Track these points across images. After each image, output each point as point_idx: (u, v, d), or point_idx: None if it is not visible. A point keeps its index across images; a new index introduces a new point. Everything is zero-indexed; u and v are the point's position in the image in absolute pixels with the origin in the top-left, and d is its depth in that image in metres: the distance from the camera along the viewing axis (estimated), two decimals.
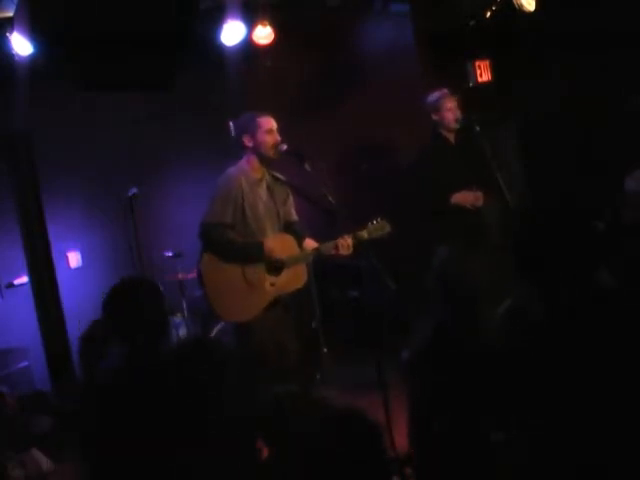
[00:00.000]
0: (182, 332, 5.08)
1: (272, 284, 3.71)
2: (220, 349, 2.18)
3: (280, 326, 3.76)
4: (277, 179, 3.88)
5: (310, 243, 3.84)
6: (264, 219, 3.78)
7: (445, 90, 4.53)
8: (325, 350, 5.18)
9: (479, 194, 4.44)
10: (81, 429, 2.28)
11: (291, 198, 3.95)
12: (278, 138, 3.74)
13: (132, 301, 2.34)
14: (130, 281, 2.43)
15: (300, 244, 3.84)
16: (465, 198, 4.44)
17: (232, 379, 2.13)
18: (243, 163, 3.81)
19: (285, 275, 3.74)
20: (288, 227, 3.91)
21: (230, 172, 3.78)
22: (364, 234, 3.75)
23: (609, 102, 5.00)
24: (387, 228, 3.85)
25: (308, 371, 3.89)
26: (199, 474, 1.82)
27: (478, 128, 4.30)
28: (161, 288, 2.45)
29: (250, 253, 3.67)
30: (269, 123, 3.75)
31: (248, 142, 3.77)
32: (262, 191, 3.81)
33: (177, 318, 5.11)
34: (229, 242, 3.67)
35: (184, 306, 5.10)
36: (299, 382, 3.77)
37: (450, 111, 4.46)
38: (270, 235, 3.79)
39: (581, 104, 5.09)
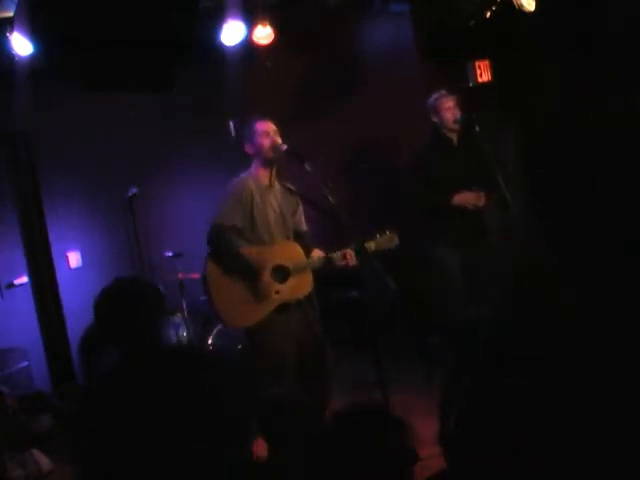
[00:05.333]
0: (182, 332, 5.09)
1: (277, 292, 3.69)
2: (214, 352, 2.17)
3: (292, 327, 3.75)
4: (288, 189, 3.90)
5: (318, 254, 3.84)
6: (273, 226, 3.78)
7: (443, 91, 4.55)
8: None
9: (481, 194, 4.45)
10: (79, 430, 2.27)
11: (301, 208, 3.96)
12: (277, 140, 3.74)
13: (121, 304, 2.31)
14: (120, 283, 2.39)
15: (308, 254, 3.84)
16: (467, 199, 4.45)
17: (231, 381, 2.13)
18: (252, 169, 3.84)
19: (290, 283, 3.72)
20: (297, 237, 3.91)
21: (241, 177, 3.81)
22: (372, 245, 3.75)
23: (609, 102, 5.00)
24: (395, 240, 3.84)
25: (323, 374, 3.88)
26: (197, 475, 1.82)
27: (478, 128, 4.31)
28: (160, 288, 2.44)
29: (247, 274, 3.66)
30: (264, 126, 3.76)
31: (249, 149, 3.81)
32: (272, 199, 3.81)
33: (177, 318, 5.11)
34: (236, 251, 3.65)
35: (184, 306, 5.10)
36: (316, 384, 3.76)
37: (448, 110, 4.47)
38: (278, 242, 3.79)
39: (581, 104, 5.09)
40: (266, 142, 3.74)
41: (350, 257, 3.68)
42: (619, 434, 1.77)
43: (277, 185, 3.86)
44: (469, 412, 1.69)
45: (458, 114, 4.46)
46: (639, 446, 1.74)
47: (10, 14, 4.23)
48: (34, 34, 4.27)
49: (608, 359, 1.88)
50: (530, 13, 4.65)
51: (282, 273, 3.71)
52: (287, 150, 3.74)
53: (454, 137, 4.56)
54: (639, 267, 4.20)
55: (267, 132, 3.75)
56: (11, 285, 4.96)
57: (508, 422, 1.63)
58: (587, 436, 1.72)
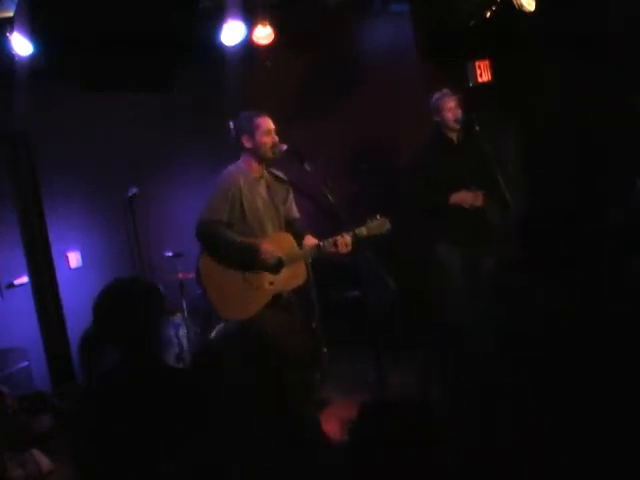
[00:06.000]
0: (182, 332, 5.09)
1: (271, 282, 3.71)
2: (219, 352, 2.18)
3: (284, 325, 3.76)
4: (277, 177, 3.89)
5: (311, 240, 3.83)
6: (264, 217, 3.78)
7: (445, 90, 4.55)
8: (325, 350, 5.18)
9: (479, 194, 4.45)
10: (79, 430, 2.27)
11: (291, 196, 3.96)
12: (276, 138, 3.75)
13: (121, 304, 2.31)
14: (120, 283, 2.39)
15: (301, 242, 3.84)
16: (464, 198, 4.45)
17: (233, 380, 2.13)
18: (241, 162, 3.82)
19: (284, 273, 3.74)
20: (289, 225, 3.91)
21: (229, 170, 3.79)
22: (363, 231, 3.74)
23: (609, 102, 5.00)
24: (387, 225, 3.82)
25: (311, 370, 3.91)
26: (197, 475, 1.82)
27: (478, 128, 4.31)
28: (160, 288, 2.44)
29: (245, 255, 3.65)
30: (267, 124, 3.76)
31: (247, 143, 3.78)
32: (261, 189, 3.81)
33: (177, 318, 5.11)
34: (225, 241, 3.64)
35: (184, 306, 5.10)
36: (303, 381, 3.77)
37: (450, 110, 4.47)
38: (270, 233, 3.79)
39: (581, 104, 5.09)
40: (268, 141, 3.73)
41: (341, 244, 3.67)
42: (616, 433, 1.77)
43: (266, 174, 3.86)
44: (467, 410, 1.69)
45: (459, 114, 4.46)
46: (637, 446, 1.74)
47: (10, 14, 4.23)
48: (34, 34, 4.27)
49: (607, 358, 1.89)
50: (530, 13, 4.65)
51: (275, 264, 3.72)
52: (287, 150, 3.74)
53: (454, 136, 4.57)
54: (639, 267, 4.21)
55: (269, 130, 3.75)
56: (11, 285, 4.96)
57: (506, 422, 1.63)
58: (585, 435, 1.72)
